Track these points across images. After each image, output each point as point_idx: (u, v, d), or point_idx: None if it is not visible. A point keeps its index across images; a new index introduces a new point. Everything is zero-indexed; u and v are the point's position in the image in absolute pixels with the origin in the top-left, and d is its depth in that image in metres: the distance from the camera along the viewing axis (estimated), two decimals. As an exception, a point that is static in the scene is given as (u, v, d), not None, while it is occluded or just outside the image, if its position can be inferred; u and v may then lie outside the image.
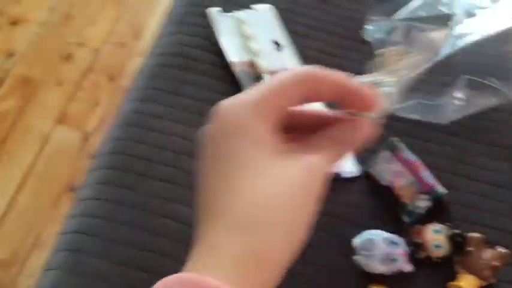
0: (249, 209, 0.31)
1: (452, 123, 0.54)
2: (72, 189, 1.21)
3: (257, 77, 0.56)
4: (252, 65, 0.56)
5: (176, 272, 0.26)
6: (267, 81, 0.34)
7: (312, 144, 0.34)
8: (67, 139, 1.29)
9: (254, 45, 0.57)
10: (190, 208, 0.35)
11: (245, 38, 0.58)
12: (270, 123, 0.33)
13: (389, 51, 0.45)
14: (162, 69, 0.58)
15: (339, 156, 0.34)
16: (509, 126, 0.54)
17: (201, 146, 0.33)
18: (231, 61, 0.56)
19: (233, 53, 0.57)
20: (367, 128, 0.34)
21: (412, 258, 0.46)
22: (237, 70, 0.56)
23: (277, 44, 0.58)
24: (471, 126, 0.54)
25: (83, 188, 0.52)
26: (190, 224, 0.31)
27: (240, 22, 0.58)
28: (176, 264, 0.26)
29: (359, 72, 0.57)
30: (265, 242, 0.31)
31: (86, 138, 1.29)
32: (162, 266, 0.46)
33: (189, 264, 0.29)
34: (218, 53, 0.57)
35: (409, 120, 0.54)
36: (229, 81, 0.56)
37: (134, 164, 0.51)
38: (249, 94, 0.33)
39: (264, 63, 0.56)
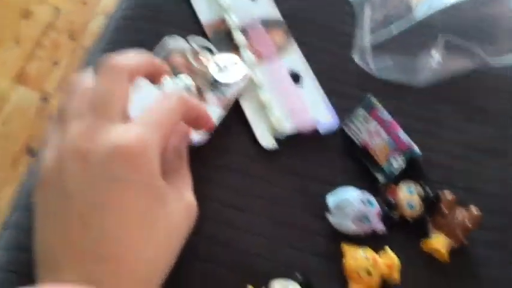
0: (144, 262, 0.32)
1: (427, 85, 0.53)
2: (30, 151, 1.17)
3: (228, 35, 0.53)
4: (223, 22, 0.54)
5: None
6: (155, 113, 0.36)
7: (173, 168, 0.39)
8: (26, 99, 1.25)
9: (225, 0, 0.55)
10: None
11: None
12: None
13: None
14: (128, 22, 0.55)
15: None
16: (484, 89, 0.54)
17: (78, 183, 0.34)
18: (201, 23, 0.54)
19: (203, 12, 0.55)
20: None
21: (386, 218, 0.45)
22: (208, 32, 0.54)
23: None
24: (446, 89, 0.53)
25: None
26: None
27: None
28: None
29: (340, 31, 0.55)
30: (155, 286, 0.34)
31: (45, 98, 1.25)
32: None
33: None
34: (191, 7, 0.55)
35: (383, 81, 0.53)
36: (202, 34, 0.53)
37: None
38: (146, 133, 0.35)
39: (234, 18, 0.54)
